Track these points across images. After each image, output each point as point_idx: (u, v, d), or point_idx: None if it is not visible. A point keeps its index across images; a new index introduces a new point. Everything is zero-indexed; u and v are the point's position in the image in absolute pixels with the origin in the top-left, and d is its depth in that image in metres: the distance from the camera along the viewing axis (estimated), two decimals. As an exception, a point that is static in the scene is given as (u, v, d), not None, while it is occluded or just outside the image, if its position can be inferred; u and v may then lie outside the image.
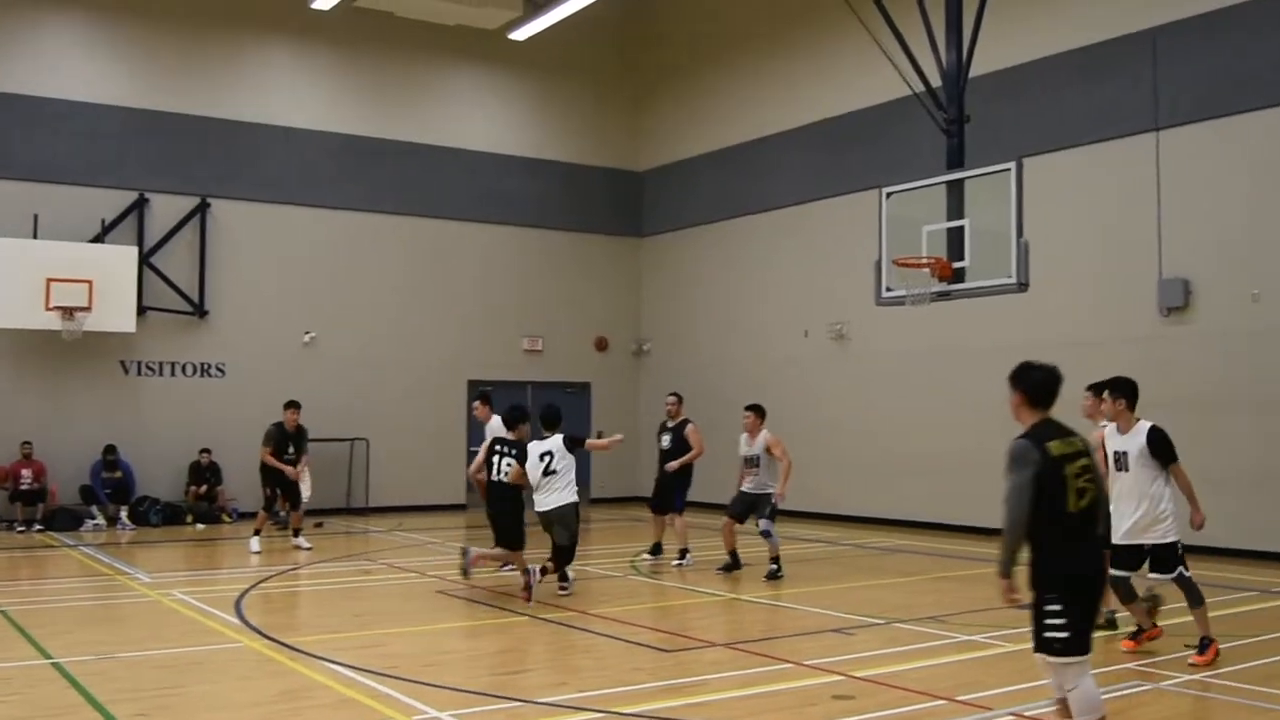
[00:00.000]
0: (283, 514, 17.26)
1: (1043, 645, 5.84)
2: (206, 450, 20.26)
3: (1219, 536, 15.16)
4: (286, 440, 16.38)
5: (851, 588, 13.13)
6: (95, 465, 19.47)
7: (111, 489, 19.41)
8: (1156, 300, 15.99)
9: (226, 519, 20.15)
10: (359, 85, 22.95)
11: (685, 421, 15.01)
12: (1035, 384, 6.25)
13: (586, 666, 8.91)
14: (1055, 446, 5.93)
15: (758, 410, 13.98)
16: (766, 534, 13.44)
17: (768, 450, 13.66)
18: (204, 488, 20.16)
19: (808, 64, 21.69)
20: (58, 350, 19.43)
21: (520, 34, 22.05)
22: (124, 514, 19.28)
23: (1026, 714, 7.28)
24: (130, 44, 20.86)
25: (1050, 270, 14.77)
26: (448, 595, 12.26)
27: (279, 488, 16.40)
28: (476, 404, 15.39)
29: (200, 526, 19.44)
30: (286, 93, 22.21)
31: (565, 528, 11.98)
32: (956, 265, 12.47)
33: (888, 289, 13.26)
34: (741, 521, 13.84)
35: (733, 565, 13.93)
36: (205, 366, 21.00)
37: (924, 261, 12.60)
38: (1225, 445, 15.22)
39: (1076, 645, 5.73)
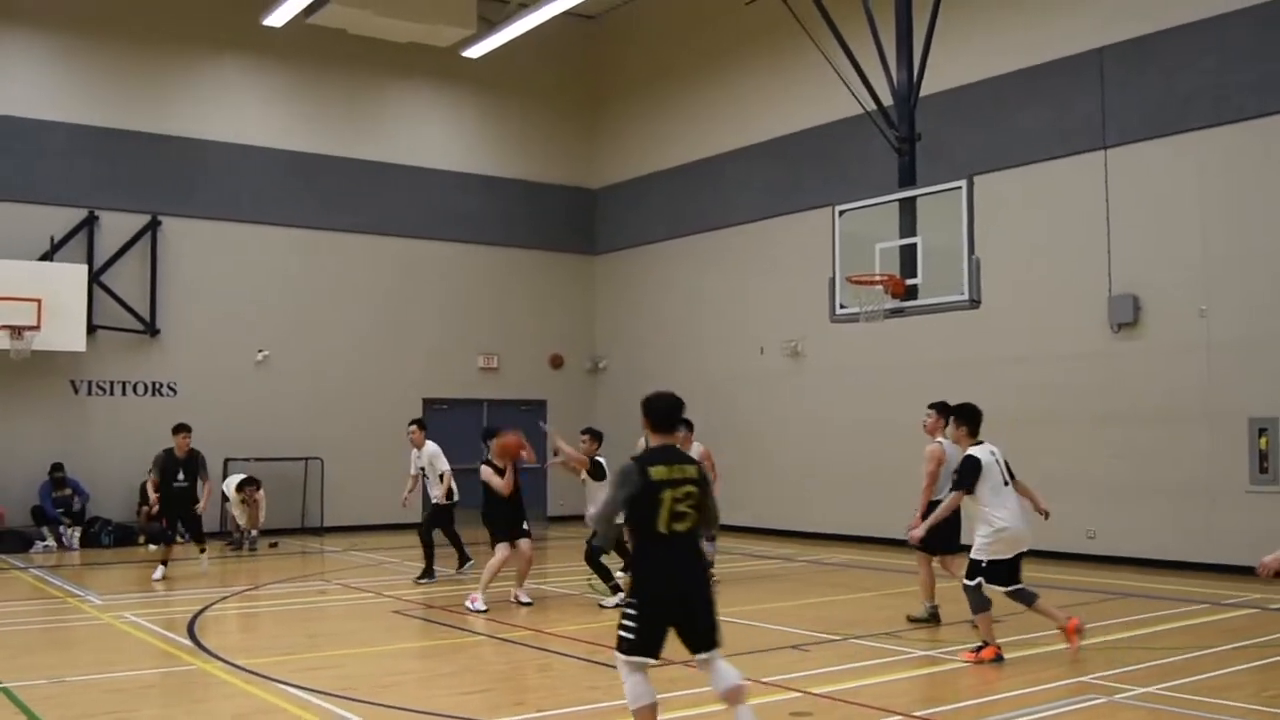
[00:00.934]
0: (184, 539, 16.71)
1: (617, 639, 6.28)
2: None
3: (1171, 549, 15.42)
4: (177, 467, 15.29)
5: (808, 603, 13.17)
6: (43, 485, 19.22)
7: (64, 507, 19.17)
8: (1107, 316, 16.19)
9: (179, 540, 19.89)
10: (312, 102, 22.86)
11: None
12: (658, 411, 6.53)
13: (543, 686, 8.89)
14: (658, 471, 6.23)
15: (688, 425, 13.97)
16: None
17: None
18: (155, 508, 19.91)
19: (761, 82, 21.83)
20: (6, 370, 19.16)
21: (474, 52, 22.04)
22: (74, 535, 19.04)
23: (982, 728, 7.32)
24: (80, 60, 20.67)
25: (1001, 287, 14.91)
26: (404, 615, 12.19)
27: (178, 517, 15.64)
28: (413, 429, 15.69)
29: (152, 548, 19.19)
30: (239, 110, 22.07)
31: None
32: (909, 282, 12.57)
33: (841, 306, 13.34)
34: None
35: None
36: (157, 386, 20.79)
37: (877, 279, 12.70)
38: (1176, 459, 15.43)
39: (636, 648, 6.17)
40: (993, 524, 9.67)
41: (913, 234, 12.70)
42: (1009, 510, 9.70)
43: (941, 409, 11.37)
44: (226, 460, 20.38)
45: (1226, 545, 14.86)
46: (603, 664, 9.45)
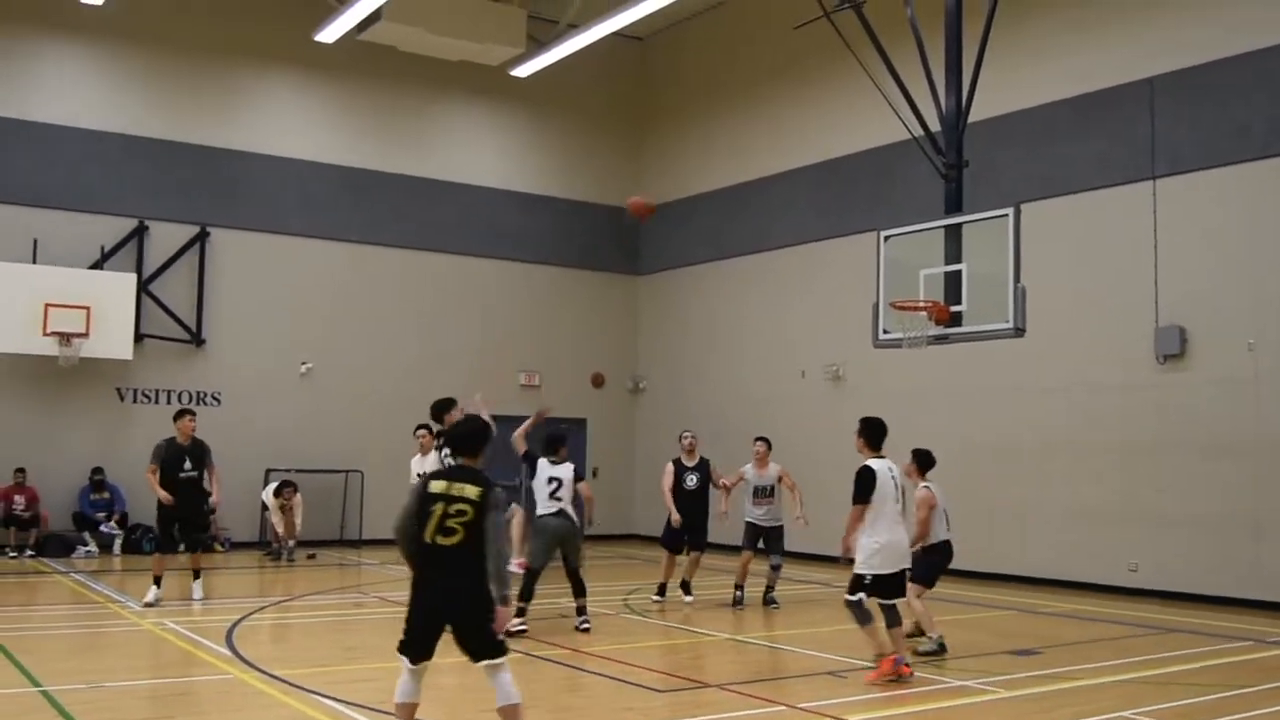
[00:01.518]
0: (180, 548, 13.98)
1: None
2: (199, 478, 20.19)
3: (1215, 584, 15.21)
4: (182, 455, 13.69)
5: (846, 630, 13.03)
6: (84, 489, 19.44)
7: (103, 511, 19.37)
8: (1153, 347, 16.03)
9: (219, 548, 20.08)
10: (361, 118, 23.07)
11: (705, 460, 14.96)
12: (458, 439, 7.06)
13: (578, 705, 8.88)
14: (438, 485, 6.66)
15: (768, 441, 14.64)
16: (779, 568, 14.47)
17: (779, 480, 14.47)
18: (197, 517, 20.09)
19: (808, 106, 21.83)
20: (54, 376, 19.41)
21: (522, 71, 22.17)
22: (117, 543, 19.25)
23: (1019, 761, 7.24)
24: (134, 71, 20.97)
25: (1047, 316, 14.81)
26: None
27: (177, 521, 13.64)
28: (423, 434, 15.03)
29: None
30: (288, 124, 22.32)
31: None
32: (953, 309, 12.52)
33: (885, 331, 13.30)
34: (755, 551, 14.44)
35: (741, 601, 14.40)
36: (201, 395, 20.98)
37: (921, 305, 12.64)
38: (1221, 492, 15.24)
39: (402, 647, 6.72)
40: (877, 538, 9.83)
41: (958, 261, 12.65)
42: (891, 526, 9.92)
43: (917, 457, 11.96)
44: (268, 470, 20.54)
45: (1272, 582, 14.65)
46: (636, 684, 9.43)
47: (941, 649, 11.28)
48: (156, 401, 20.59)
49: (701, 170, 24.37)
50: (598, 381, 25.26)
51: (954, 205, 13.45)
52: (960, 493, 17.41)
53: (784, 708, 8.66)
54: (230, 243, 21.48)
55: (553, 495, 12.62)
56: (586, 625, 12.25)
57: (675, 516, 14.55)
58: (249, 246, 21.67)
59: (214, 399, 21.07)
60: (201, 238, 21.17)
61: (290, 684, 9.10)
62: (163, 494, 13.42)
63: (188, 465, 13.67)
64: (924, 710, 8.87)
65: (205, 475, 13.94)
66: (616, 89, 26.08)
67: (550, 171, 25.13)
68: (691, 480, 14.80)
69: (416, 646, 6.70)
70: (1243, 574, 15.00)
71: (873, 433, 10.20)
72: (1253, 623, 13.67)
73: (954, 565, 13.55)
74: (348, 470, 21.87)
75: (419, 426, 15.14)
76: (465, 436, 6.97)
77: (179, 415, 14.04)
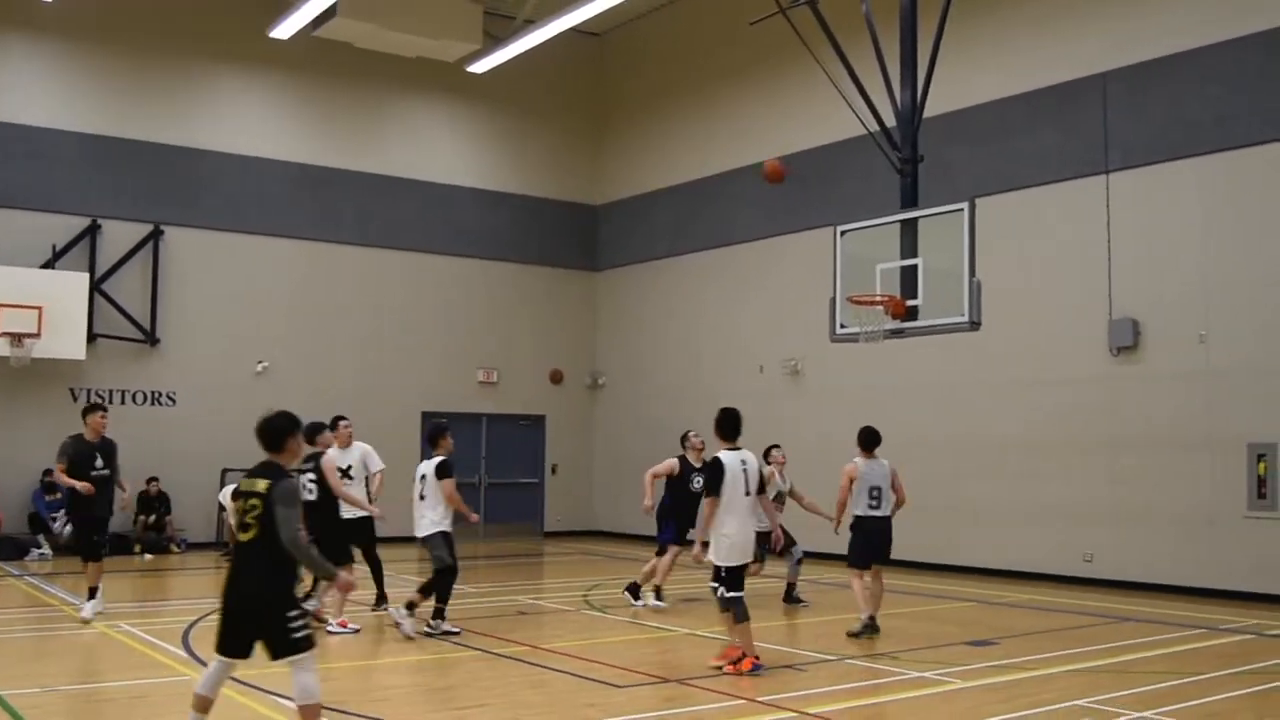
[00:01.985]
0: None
1: None
2: (154, 479, 20.03)
3: (1168, 573, 15.40)
4: (92, 453, 12.48)
5: (805, 623, 13.16)
6: (36, 491, 19.22)
7: (56, 510, 19.13)
8: (1107, 340, 16.20)
9: (175, 549, 19.93)
10: (317, 115, 22.93)
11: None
12: (261, 434, 6.90)
13: (537, 702, 8.86)
14: (240, 483, 6.79)
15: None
16: (800, 562, 14.60)
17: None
18: (152, 518, 19.94)
19: (765, 102, 21.89)
20: (6, 376, 19.18)
21: (479, 67, 22.11)
22: (66, 529, 18.99)
23: (976, 751, 7.29)
24: (86, 68, 20.75)
25: (1002, 309, 14.92)
26: (398, 629, 12.15)
27: (94, 518, 12.60)
28: (346, 424, 13.78)
29: (148, 557, 19.21)
30: (243, 121, 22.14)
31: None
32: (910, 303, 12.59)
33: (841, 325, 13.35)
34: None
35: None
36: (156, 395, 20.80)
37: (878, 299, 12.71)
38: (1174, 483, 15.43)
39: (216, 643, 6.67)
40: (727, 530, 9.81)
41: (914, 255, 12.72)
42: (740, 519, 9.83)
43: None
44: (224, 470, 20.34)
45: (1224, 570, 14.85)
46: (596, 680, 9.43)
47: (870, 628, 11.56)
48: (111, 402, 20.33)
49: (659, 166, 24.39)
50: (556, 378, 25.24)
51: (909, 200, 13.53)
52: (917, 485, 17.50)
53: (744, 701, 8.69)
54: (185, 241, 21.30)
55: (421, 495, 12.04)
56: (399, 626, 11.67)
57: (647, 503, 13.96)
58: (204, 245, 21.49)
59: (169, 399, 20.90)
60: (155, 236, 20.97)
61: (248, 685, 9.02)
62: (81, 485, 12.22)
63: (99, 463, 12.48)
64: (882, 702, 8.92)
65: (116, 474, 12.78)
66: (574, 85, 26.04)
67: (508, 168, 25.08)
68: (698, 482, 14.32)
69: (222, 641, 6.67)
70: (1196, 563, 15.19)
71: (725, 424, 10.14)
72: (1206, 611, 13.83)
73: (911, 557, 13.71)
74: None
75: (338, 418, 14.19)
76: (264, 431, 6.86)
77: (89, 410, 12.81)
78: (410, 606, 11.68)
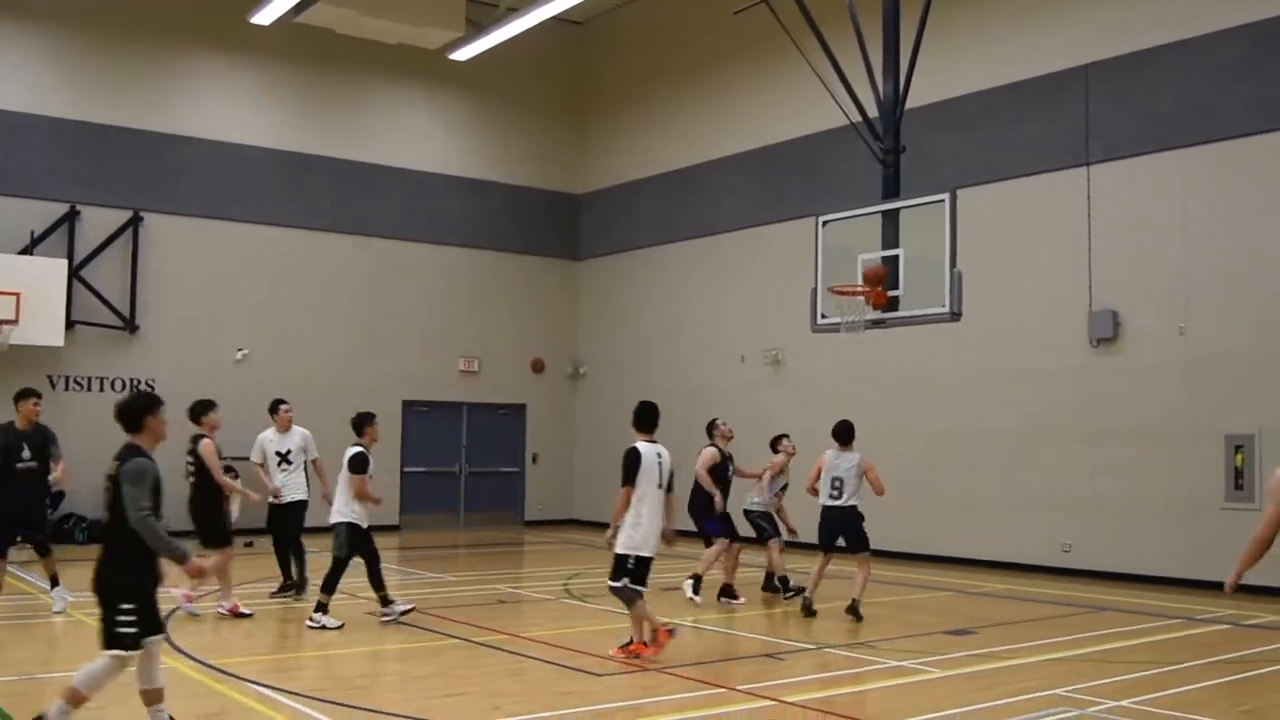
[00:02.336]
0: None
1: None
2: (127, 467, 19.86)
3: (1146, 564, 15.47)
4: (19, 442, 11.84)
5: (785, 612, 13.18)
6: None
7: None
8: (1087, 331, 16.24)
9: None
10: (298, 101, 22.80)
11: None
12: (119, 414, 6.93)
13: (516, 690, 8.86)
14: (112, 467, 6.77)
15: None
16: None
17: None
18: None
19: (747, 92, 21.86)
20: (-17, 364, 19.05)
21: (462, 55, 22.02)
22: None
23: (954, 740, 7.32)
24: (65, 54, 20.58)
25: (983, 300, 14.92)
26: (378, 617, 12.14)
27: (20, 513, 11.96)
28: (286, 409, 13.93)
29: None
30: (224, 107, 22.00)
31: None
32: (891, 294, 12.59)
33: (823, 316, 13.35)
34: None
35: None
36: (135, 382, 20.67)
37: (859, 289, 12.71)
38: (1152, 474, 15.50)
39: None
40: (639, 521, 9.89)
41: (895, 246, 12.72)
42: (652, 510, 9.92)
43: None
44: (203, 459, 20.24)
45: (1201, 561, 14.90)
46: (575, 669, 9.43)
47: (809, 607, 12.38)
48: (89, 389, 20.28)
49: (641, 155, 24.35)
50: (538, 367, 25.20)
51: (891, 190, 13.52)
52: (897, 476, 17.56)
53: (723, 690, 8.70)
54: (164, 228, 21.16)
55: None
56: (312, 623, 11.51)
57: (720, 500, 13.66)
58: (183, 232, 21.35)
59: (148, 386, 20.72)
60: (134, 223, 20.83)
61: (224, 672, 9.01)
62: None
63: (26, 454, 11.80)
64: (861, 691, 8.94)
65: (50, 467, 12.15)
66: (556, 74, 25.96)
67: (490, 156, 24.99)
68: (731, 470, 14.19)
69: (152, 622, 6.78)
70: (1172, 554, 15.26)
71: (643, 416, 10.31)
72: (1184, 601, 13.90)
73: (891, 548, 13.78)
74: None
75: (278, 401, 14.24)
76: (121, 413, 6.90)
77: (21, 396, 12.07)
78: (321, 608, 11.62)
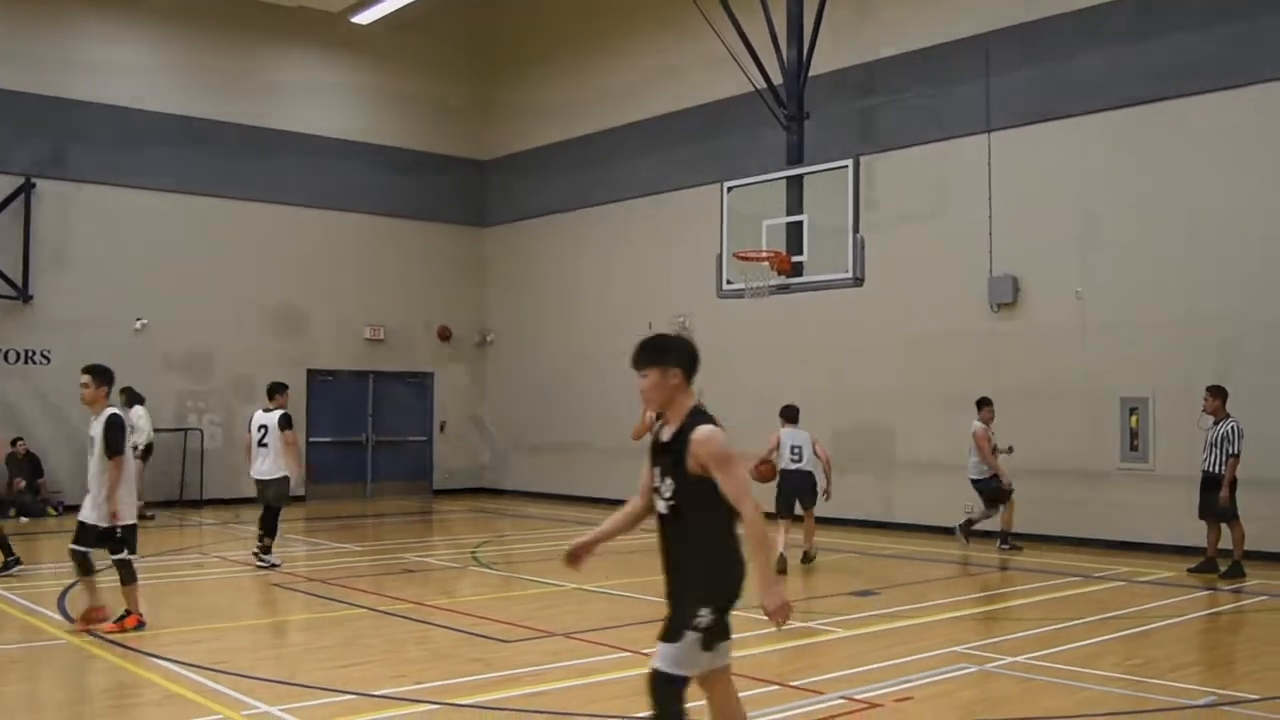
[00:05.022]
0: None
1: None
2: (19, 439, 19.37)
3: (1044, 524, 15.81)
4: None
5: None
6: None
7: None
8: (987, 296, 16.51)
9: (52, 512, 19.41)
10: (196, 65, 22.28)
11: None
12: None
13: (423, 658, 8.83)
14: None
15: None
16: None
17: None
18: (23, 480, 19.35)
19: (653, 58, 21.80)
20: None
21: (364, 18, 21.68)
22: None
23: (858, 697, 7.44)
24: (-51, 15, 19.93)
25: (885, 266, 15.12)
26: (283, 588, 12.03)
27: None
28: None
29: (24, 520, 18.69)
30: (118, 71, 21.42)
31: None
32: (795, 259, 12.70)
33: (729, 282, 13.44)
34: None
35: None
36: (29, 354, 20.16)
37: (763, 255, 12.80)
38: (1050, 436, 15.83)
39: None
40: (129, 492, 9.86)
41: (799, 212, 12.84)
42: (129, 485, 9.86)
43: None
44: (102, 431, 19.83)
45: (1098, 521, 15.30)
46: (483, 636, 9.43)
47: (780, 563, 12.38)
48: (-19, 360, 19.76)
49: (547, 121, 24.19)
50: (444, 335, 25.02)
51: (795, 157, 13.63)
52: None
53: (628, 654, 8.75)
54: (58, 194, 20.61)
55: (260, 442, 13.71)
56: (264, 565, 13.30)
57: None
58: (78, 199, 20.80)
59: (43, 357, 20.28)
60: (26, 189, 20.25)
61: (125, 646, 8.87)
62: None
63: None
64: (768, 651, 9.04)
65: None
66: (460, 39, 25.67)
67: (393, 121, 24.66)
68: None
69: None
70: (1070, 514, 15.62)
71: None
72: (1081, 560, 14.25)
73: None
74: (186, 429, 21.32)
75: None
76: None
77: None
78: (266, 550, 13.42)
